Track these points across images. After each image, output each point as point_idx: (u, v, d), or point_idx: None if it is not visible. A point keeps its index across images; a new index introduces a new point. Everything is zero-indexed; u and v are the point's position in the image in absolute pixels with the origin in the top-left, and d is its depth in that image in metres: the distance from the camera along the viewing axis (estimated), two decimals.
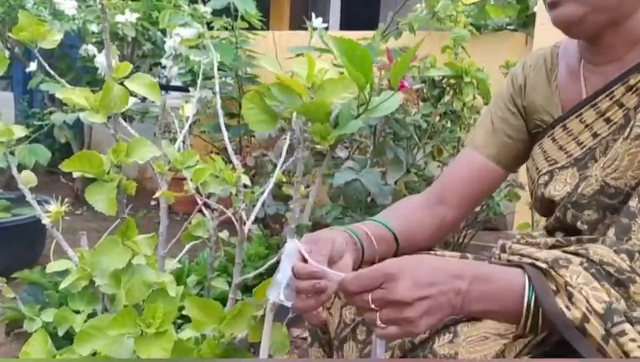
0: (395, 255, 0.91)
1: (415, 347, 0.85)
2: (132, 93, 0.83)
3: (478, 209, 2.18)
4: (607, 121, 0.84)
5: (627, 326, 0.63)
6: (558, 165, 0.89)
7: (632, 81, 0.82)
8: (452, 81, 2.01)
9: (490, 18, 2.76)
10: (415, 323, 0.65)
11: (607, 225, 0.79)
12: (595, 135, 0.85)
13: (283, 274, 0.69)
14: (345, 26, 5.00)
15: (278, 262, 0.73)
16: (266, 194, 0.94)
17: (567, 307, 0.66)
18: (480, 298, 0.67)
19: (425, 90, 2.02)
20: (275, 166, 0.87)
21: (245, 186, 1.02)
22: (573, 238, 0.86)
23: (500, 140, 0.97)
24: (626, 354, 0.63)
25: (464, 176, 0.99)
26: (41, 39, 0.92)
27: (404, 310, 0.64)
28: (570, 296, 0.67)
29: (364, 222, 0.92)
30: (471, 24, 2.43)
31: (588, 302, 0.65)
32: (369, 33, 2.56)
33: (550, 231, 0.93)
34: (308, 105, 0.65)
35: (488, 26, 2.85)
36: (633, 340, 0.63)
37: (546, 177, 0.90)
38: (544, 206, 0.92)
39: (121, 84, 0.80)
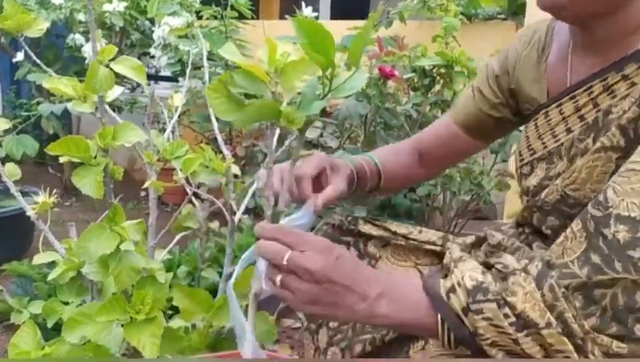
0: (377, 188, 1.03)
1: (386, 344, 0.88)
2: (120, 83, 0.82)
3: (468, 198, 2.19)
4: (581, 118, 0.82)
5: (488, 306, 0.65)
6: (536, 156, 0.89)
7: (609, 80, 0.78)
8: (443, 70, 2.01)
9: (480, 7, 2.76)
10: (303, 301, 0.65)
11: None
12: (568, 130, 0.84)
13: (262, 263, 0.69)
14: (335, 15, 4.98)
15: None
16: (255, 184, 0.94)
17: (444, 282, 0.69)
18: (389, 308, 0.67)
19: (415, 80, 2.02)
20: (265, 156, 0.87)
21: (235, 176, 1.02)
22: (534, 244, 0.88)
23: (473, 111, 1.01)
24: (476, 331, 0.65)
25: (437, 140, 1.06)
26: (27, 28, 0.90)
27: (309, 284, 0.64)
28: (450, 274, 0.70)
29: (361, 155, 1.02)
30: (461, 13, 2.42)
31: (462, 278, 0.68)
32: (360, 22, 2.55)
33: (520, 224, 0.96)
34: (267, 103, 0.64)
35: (479, 15, 2.85)
36: (487, 319, 0.64)
37: (528, 168, 0.90)
38: (525, 195, 0.92)
39: (107, 68, 0.79)
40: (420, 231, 1.04)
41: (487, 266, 0.72)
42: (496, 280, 0.68)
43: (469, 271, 0.69)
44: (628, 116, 0.74)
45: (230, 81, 0.64)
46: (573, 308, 0.63)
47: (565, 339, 0.62)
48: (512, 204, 2.32)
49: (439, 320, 0.67)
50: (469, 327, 0.65)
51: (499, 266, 0.70)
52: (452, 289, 0.67)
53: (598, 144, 0.76)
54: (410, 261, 1.03)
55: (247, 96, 0.66)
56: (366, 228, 1.03)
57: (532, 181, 0.89)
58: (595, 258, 0.64)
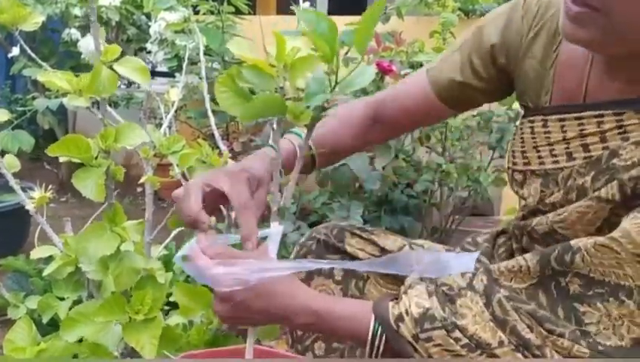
0: (313, 162, 0.92)
1: None
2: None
3: (465, 195, 2.18)
4: (585, 148, 0.75)
5: (437, 333, 0.67)
6: (531, 168, 0.82)
7: (625, 119, 0.71)
8: None
9: (478, 3, 2.75)
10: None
11: None
12: (569, 156, 0.76)
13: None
14: (333, 10, 4.96)
15: None
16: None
17: (392, 307, 0.71)
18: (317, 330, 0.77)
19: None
20: None
21: None
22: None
23: (456, 80, 0.88)
24: (430, 356, 0.67)
25: (406, 105, 0.94)
26: (22, 22, 0.90)
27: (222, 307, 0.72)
28: (399, 300, 0.71)
29: (288, 135, 0.89)
30: (459, 9, 2.42)
31: (409, 306, 0.70)
32: (357, 18, 2.54)
33: (508, 234, 0.93)
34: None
35: (476, 10, 2.84)
36: (438, 345, 0.67)
37: (520, 176, 0.85)
38: (520, 198, 0.89)
39: (110, 68, 0.78)
40: (413, 247, 0.96)
41: (436, 284, 0.73)
42: (443, 302, 0.69)
43: (415, 298, 0.70)
44: (632, 174, 0.68)
45: (238, 76, 0.64)
46: (525, 318, 0.65)
47: (520, 355, 0.64)
48: (509, 200, 2.31)
49: (369, 346, 0.71)
50: (423, 353, 0.67)
51: (444, 288, 0.71)
52: (400, 319, 0.69)
53: (595, 193, 0.71)
54: (398, 284, 0.88)
55: (253, 92, 0.66)
56: (353, 243, 0.96)
57: (525, 193, 0.84)
58: (542, 297, 0.66)
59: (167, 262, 1.76)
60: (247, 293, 0.70)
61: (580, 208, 0.73)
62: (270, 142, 0.76)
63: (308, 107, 0.64)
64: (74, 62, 3.01)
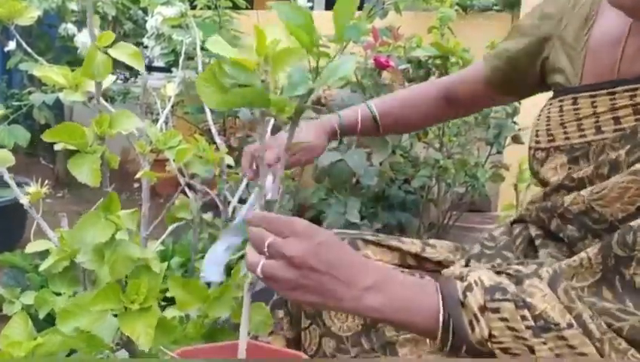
0: (377, 131, 1.10)
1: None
2: (113, 73, 0.81)
3: (462, 191, 2.18)
4: (616, 120, 0.75)
5: (505, 306, 0.62)
6: (555, 144, 0.82)
7: None
8: (438, 61, 2.00)
9: None
10: (284, 288, 0.63)
11: (587, 246, 0.74)
12: (597, 129, 0.77)
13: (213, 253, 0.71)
14: (330, 5, 4.95)
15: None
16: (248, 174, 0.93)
17: (461, 282, 0.65)
18: (381, 304, 0.63)
19: (411, 71, 2.01)
20: None
21: (229, 167, 1.01)
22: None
23: (503, 63, 0.96)
24: (491, 332, 0.62)
25: (473, 88, 1.03)
26: (18, 16, 0.89)
27: (289, 270, 0.62)
28: (466, 277, 0.66)
29: (359, 105, 1.10)
30: (457, 4, 2.42)
31: (479, 277, 0.65)
32: (356, 14, 2.53)
33: (525, 222, 0.89)
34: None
35: (474, 6, 2.84)
36: (504, 319, 0.62)
37: (543, 154, 0.84)
38: (538, 180, 0.88)
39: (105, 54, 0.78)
40: (432, 246, 0.94)
41: (497, 273, 0.70)
42: (512, 282, 0.65)
43: (485, 273, 0.66)
44: None
45: (220, 71, 0.63)
46: (588, 309, 0.61)
47: (587, 340, 0.60)
48: (507, 196, 2.32)
49: (441, 326, 0.63)
50: (485, 329, 0.62)
51: (510, 271, 0.68)
52: (469, 288, 0.64)
53: (634, 167, 0.70)
54: None
55: (240, 87, 0.66)
56: (368, 253, 0.92)
57: (546, 172, 0.83)
58: (607, 293, 0.62)
59: (163, 258, 1.77)
60: (329, 235, 0.65)
61: (622, 184, 0.70)
62: (259, 135, 0.74)
63: (291, 98, 0.64)
64: (70, 57, 3.00)
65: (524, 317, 0.61)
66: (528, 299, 0.62)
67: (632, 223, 0.63)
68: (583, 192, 0.76)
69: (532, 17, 0.92)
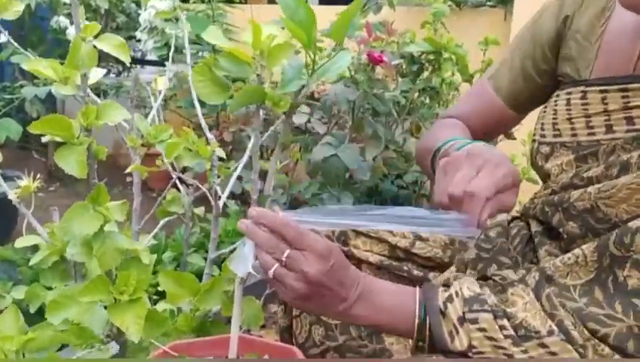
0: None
1: None
2: (106, 66, 0.81)
3: None
4: (629, 120, 0.73)
5: (483, 316, 0.64)
6: (561, 140, 0.80)
7: None
8: (431, 57, 2.00)
9: None
10: (292, 296, 0.68)
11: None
12: (608, 128, 0.75)
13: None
14: (324, 0, 4.94)
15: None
16: (240, 168, 0.93)
17: (443, 291, 0.69)
18: (366, 311, 0.70)
19: (404, 66, 2.01)
20: None
21: (221, 160, 1.01)
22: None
23: (514, 81, 0.91)
24: (470, 343, 0.64)
25: (484, 118, 0.97)
26: (4, 10, 0.88)
27: (299, 282, 0.67)
28: (448, 287, 0.70)
29: (455, 139, 0.88)
30: None
31: (460, 289, 0.68)
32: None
33: (526, 216, 0.88)
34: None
35: (468, 1, 2.84)
36: (482, 329, 0.64)
37: (547, 148, 0.83)
38: (540, 174, 0.87)
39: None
40: (424, 240, 0.93)
41: (485, 278, 0.72)
42: (494, 292, 0.67)
43: (467, 283, 0.68)
44: None
45: (215, 65, 0.63)
46: (571, 316, 0.62)
47: (569, 346, 0.61)
48: None
49: (416, 328, 0.68)
50: (464, 339, 0.64)
51: (496, 278, 0.70)
52: (449, 299, 0.67)
53: None
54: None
55: (233, 80, 0.66)
56: (359, 245, 0.93)
57: (551, 168, 0.82)
58: (598, 293, 0.63)
59: (155, 252, 1.76)
60: (338, 254, 0.69)
61: (632, 185, 0.69)
62: (253, 129, 0.75)
63: (285, 94, 0.64)
64: (62, 50, 2.98)
65: (502, 327, 0.63)
66: (509, 309, 0.64)
67: (631, 224, 0.63)
68: (590, 189, 0.74)
69: (544, 13, 0.88)
